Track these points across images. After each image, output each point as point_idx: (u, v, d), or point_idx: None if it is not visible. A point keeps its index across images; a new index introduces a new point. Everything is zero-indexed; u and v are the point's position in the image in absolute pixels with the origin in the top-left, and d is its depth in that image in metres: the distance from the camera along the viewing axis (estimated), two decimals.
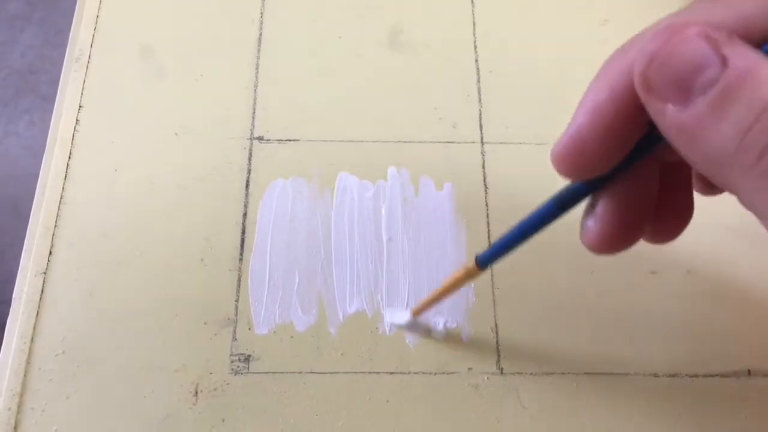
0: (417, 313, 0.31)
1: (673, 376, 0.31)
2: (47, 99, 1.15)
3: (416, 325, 0.31)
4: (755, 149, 0.15)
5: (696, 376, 0.31)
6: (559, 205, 0.21)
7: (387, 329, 0.31)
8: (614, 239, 0.21)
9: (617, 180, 0.20)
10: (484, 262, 0.25)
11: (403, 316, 0.31)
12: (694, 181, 0.24)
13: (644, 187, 0.21)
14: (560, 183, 0.37)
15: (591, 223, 0.21)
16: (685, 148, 0.17)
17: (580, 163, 0.19)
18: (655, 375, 0.31)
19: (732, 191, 0.16)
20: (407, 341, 0.31)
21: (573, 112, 0.19)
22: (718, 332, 0.32)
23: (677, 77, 0.16)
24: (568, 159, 0.19)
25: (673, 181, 0.23)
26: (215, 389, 0.30)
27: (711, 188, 0.24)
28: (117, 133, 0.36)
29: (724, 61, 0.16)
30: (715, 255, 0.33)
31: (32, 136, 1.14)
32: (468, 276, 0.26)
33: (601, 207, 0.21)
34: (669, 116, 0.17)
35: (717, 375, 0.31)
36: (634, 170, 0.20)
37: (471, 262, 0.25)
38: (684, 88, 0.16)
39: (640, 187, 0.21)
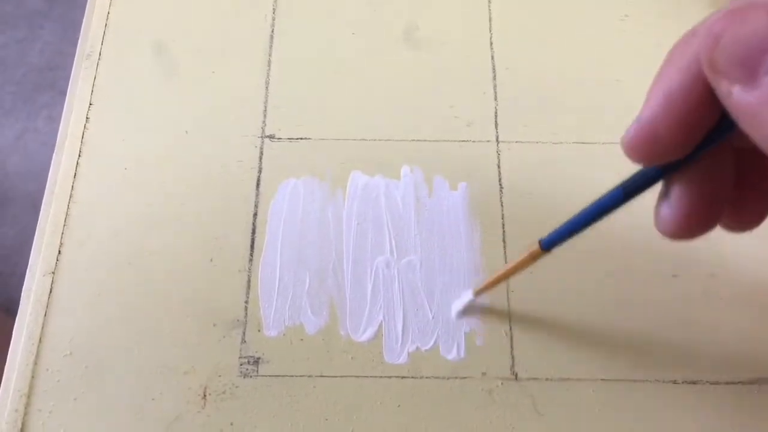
0: (479, 293, 0.30)
1: (694, 383, 0.30)
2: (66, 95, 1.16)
3: (474, 307, 0.31)
4: None
5: (717, 383, 0.30)
6: (627, 191, 0.22)
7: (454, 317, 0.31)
8: (691, 225, 0.21)
9: (691, 166, 0.20)
10: (548, 245, 0.25)
11: (465, 297, 0.31)
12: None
13: (719, 173, 0.21)
14: (576, 182, 0.35)
15: (666, 209, 0.21)
16: (751, 129, 0.17)
17: (654, 150, 0.19)
18: (675, 382, 0.30)
19: None
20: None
21: (645, 97, 0.19)
22: (741, 338, 0.31)
23: (743, 57, 0.16)
24: (641, 147, 0.19)
25: (753, 165, 0.22)
26: (224, 392, 0.30)
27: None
28: (127, 130, 0.35)
29: None
30: (738, 258, 0.32)
31: (51, 132, 1.15)
32: (532, 258, 0.26)
33: (676, 193, 0.21)
34: (735, 97, 0.16)
35: (739, 382, 0.30)
36: (709, 155, 0.20)
37: (535, 246, 0.26)
38: (750, 68, 0.16)
39: (716, 173, 0.21)
